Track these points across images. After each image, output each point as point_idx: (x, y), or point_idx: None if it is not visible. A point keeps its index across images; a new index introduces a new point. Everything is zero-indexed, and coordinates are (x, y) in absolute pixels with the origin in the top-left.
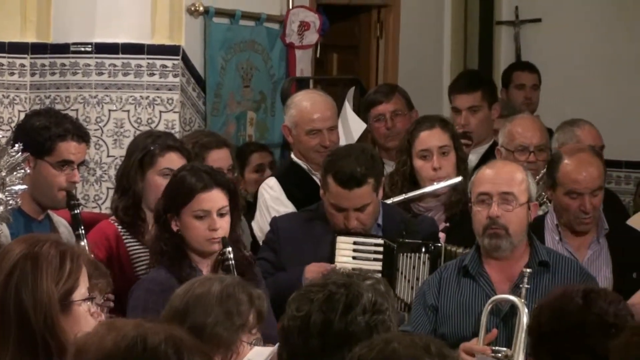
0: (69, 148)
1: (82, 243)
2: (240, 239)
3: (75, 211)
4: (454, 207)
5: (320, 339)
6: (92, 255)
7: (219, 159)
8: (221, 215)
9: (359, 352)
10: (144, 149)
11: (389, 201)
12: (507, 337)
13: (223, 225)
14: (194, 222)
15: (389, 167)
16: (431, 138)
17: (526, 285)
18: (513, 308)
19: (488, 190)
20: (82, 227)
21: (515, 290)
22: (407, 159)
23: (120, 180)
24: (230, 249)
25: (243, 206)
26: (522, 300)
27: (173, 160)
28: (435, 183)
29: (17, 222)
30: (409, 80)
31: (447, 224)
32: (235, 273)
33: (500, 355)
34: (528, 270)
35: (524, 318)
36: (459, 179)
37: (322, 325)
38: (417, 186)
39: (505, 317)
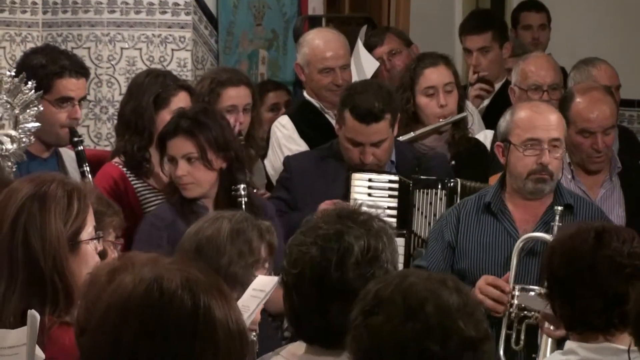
0: (68, 84)
1: (87, 180)
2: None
3: (79, 148)
4: (459, 145)
5: (316, 295)
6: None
7: (235, 96)
8: (187, 160)
9: (374, 287)
10: (156, 90)
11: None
12: (521, 276)
13: (193, 171)
14: (169, 167)
15: None
16: (436, 75)
17: (558, 223)
18: (532, 247)
19: (540, 136)
20: (87, 164)
21: (542, 228)
22: (410, 97)
23: (130, 121)
24: (244, 185)
25: (262, 147)
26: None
27: (184, 99)
28: (441, 120)
29: (22, 162)
30: (420, 18)
31: (453, 162)
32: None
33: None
34: (560, 208)
35: None
36: (464, 114)
37: (316, 282)
38: (420, 124)
39: (537, 254)
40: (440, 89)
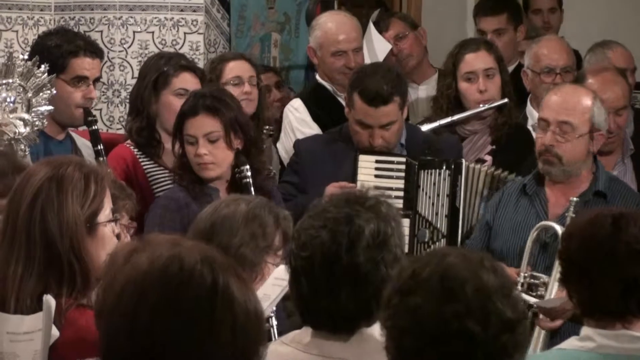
0: (83, 64)
1: (101, 159)
2: (259, 163)
3: (93, 127)
4: (500, 130)
5: (326, 278)
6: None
7: (237, 68)
8: (209, 141)
9: (411, 266)
10: (157, 71)
11: (435, 124)
12: (546, 265)
13: (214, 151)
14: (187, 147)
15: (411, 90)
16: (477, 60)
17: (572, 214)
18: (556, 236)
19: (547, 116)
20: (101, 143)
21: (561, 219)
22: (451, 82)
23: (134, 102)
24: (247, 167)
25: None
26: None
27: (187, 80)
28: (481, 105)
29: (38, 143)
30: (433, 2)
31: (493, 147)
32: (253, 191)
33: (539, 281)
34: (575, 199)
35: None
36: (504, 100)
37: (327, 265)
38: (462, 109)
39: (546, 244)
40: (481, 74)
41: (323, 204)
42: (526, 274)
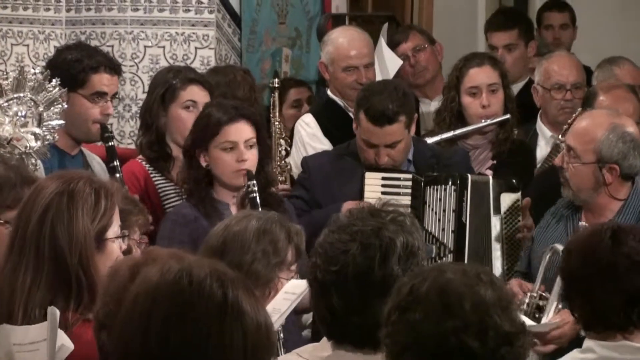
0: (102, 80)
1: (118, 175)
2: (270, 174)
3: (110, 143)
4: (502, 145)
5: (359, 292)
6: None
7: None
8: (249, 147)
9: (410, 282)
10: (165, 84)
11: (436, 137)
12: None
13: (250, 157)
14: (222, 154)
15: (423, 105)
16: (481, 75)
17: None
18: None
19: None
20: (117, 159)
21: None
22: (455, 96)
23: (143, 116)
24: (254, 182)
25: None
26: None
27: (195, 93)
28: (483, 120)
29: (51, 157)
30: (444, 16)
31: (494, 161)
32: (260, 206)
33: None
34: (583, 223)
35: None
36: (507, 116)
37: (359, 279)
38: (465, 123)
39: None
40: (484, 89)
41: (345, 218)
42: (534, 294)
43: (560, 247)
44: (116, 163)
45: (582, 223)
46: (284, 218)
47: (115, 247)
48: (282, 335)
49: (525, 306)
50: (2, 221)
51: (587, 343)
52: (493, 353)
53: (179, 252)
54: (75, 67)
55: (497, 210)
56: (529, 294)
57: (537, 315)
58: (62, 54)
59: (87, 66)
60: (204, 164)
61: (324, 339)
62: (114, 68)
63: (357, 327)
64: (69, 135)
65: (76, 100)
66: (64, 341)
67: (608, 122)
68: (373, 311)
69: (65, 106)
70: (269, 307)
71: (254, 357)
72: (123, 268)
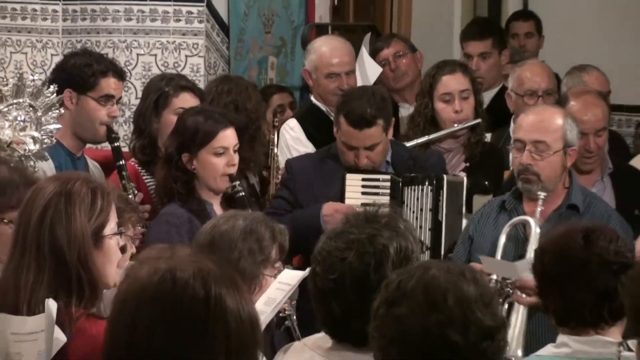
0: (110, 83)
1: (124, 173)
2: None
3: (116, 144)
4: (473, 148)
5: (357, 297)
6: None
7: None
8: (235, 151)
9: (397, 278)
10: (158, 91)
11: (412, 142)
12: (518, 256)
13: (237, 162)
14: (213, 158)
15: (402, 109)
16: (453, 82)
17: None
18: (515, 235)
19: (522, 137)
20: (123, 159)
21: (544, 228)
22: (428, 102)
23: (137, 121)
24: (238, 182)
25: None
26: (536, 220)
27: (186, 100)
28: (455, 125)
29: (61, 157)
30: (421, 26)
31: (467, 164)
32: (249, 204)
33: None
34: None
35: (536, 230)
36: (477, 120)
37: (356, 285)
38: (438, 127)
39: (517, 239)
40: (456, 95)
41: (342, 225)
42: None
43: (524, 218)
44: (122, 162)
45: (528, 218)
46: (269, 218)
47: (112, 244)
48: (294, 317)
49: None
50: (6, 221)
51: (561, 338)
52: (475, 346)
53: (168, 250)
54: (86, 71)
55: (470, 210)
56: (492, 277)
57: (507, 292)
58: (70, 60)
59: (97, 70)
60: (191, 167)
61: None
62: (121, 73)
63: (356, 329)
64: (76, 137)
65: (85, 102)
66: (58, 334)
67: (558, 110)
68: (370, 315)
69: (62, 111)
70: (264, 297)
71: (238, 352)
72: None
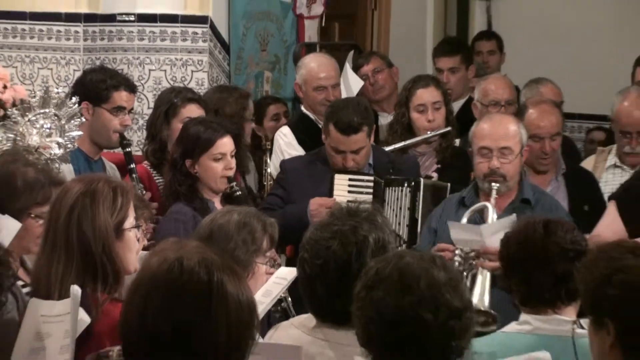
0: (122, 96)
1: (134, 175)
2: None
3: (128, 149)
4: (444, 152)
5: (339, 281)
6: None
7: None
8: (232, 156)
9: (376, 265)
10: (168, 102)
11: (391, 147)
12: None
13: (234, 166)
14: (212, 164)
15: (382, 117)
16: (427, 95)
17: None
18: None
19: (488, 145)
20: (134, 163)
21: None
22: (405, 112)
23: (149, 128)
24: (235, 183)
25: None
26: (492, 205)
27: (193, 110)
28: (429, 132)
29: (79, 161)
30: (398, 45)
31: (439, 166)
32: (245, 201)
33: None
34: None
35: (493, 214)
36: (448, 128)
37: (340, 271)
38: (413, 134)
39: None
40: (430, 106)
41: (328, 218)
42: (460, 250)
43: (484, 204)
44: (133, 165)
45: (485, 203)
46: (261, 212)
47: (132, 236)
48: (289, 299)
49: (457, 261)
50: (33, 215)
51: (524, 317)
52: (444, 324)
53: (177, 242)
54: (100, 86)
55: None
56: (456, 252)
57: (471, 264)
58: (88, 75)
59: (110, 85)
60: (193, 171)
61: (310, 314)
62: (132, 87)
63: (338, 309)
64: (93, 143)
65: (100, 113)
66: (82, 316)
67: (511, 118)
68: (351, 297)
69: (84, 120)
70: (263, 289)
71: (237, 331)
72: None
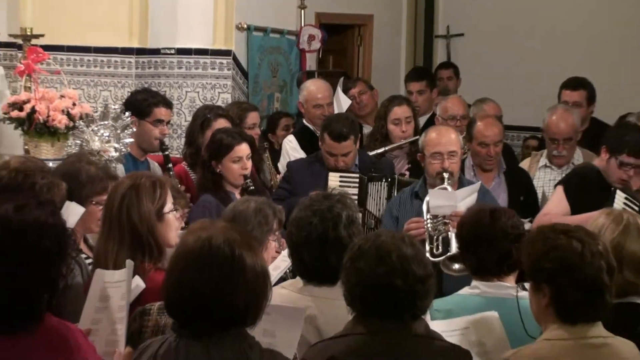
0: (161, 111)
1: (171, 173)
2: (255, 176)
3: (166, 153)
4: (413, 155)
5: (319, 247)
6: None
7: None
8: (247, 159)
9: (358, 243)
10: (203, 116)
11: (372, 152)
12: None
13: (249, 166)
14: (232, 165)
15: (365, 128)
16: (400, 111)
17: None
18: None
19: (440, 150)
20: (171, 163)
21: None
22: (383, 124)
23: (188, 136)
24: (250, 180)
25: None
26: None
27: (222, 123)
28: (402, 140)
29: (129, 161)
30: (378, 73)
31: (409, 166)
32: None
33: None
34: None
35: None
36: (417, 137)
37: (319, 238)
38: (390, 142)
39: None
40: (403, 120)
41: (309, 201)
42: (428, 219)
43: (444, 186)
44: (170, 165)
45: (445, 185)
46: (272, 201)
47: (171, 217)
48: (289, 270)
49: (427, 224)
50: (94, 202)
51: (474, 283)
52: (411, 289)
53: (208, 223)
54: (144, 103)
55: None
56: (427, 222)
57: (439, 230)
58: (135, 95)
59: (151, 103)
60: (217, 170)
61: (298, 277)
62: (169, 104)
63: (320, 270)
64: (140, 148)
65: (144, 125)
66: (139, 282)
67: (451, 129)
68: (329, 260)
69: (135, 129)
70: (274, 264)
71: (254, 296)
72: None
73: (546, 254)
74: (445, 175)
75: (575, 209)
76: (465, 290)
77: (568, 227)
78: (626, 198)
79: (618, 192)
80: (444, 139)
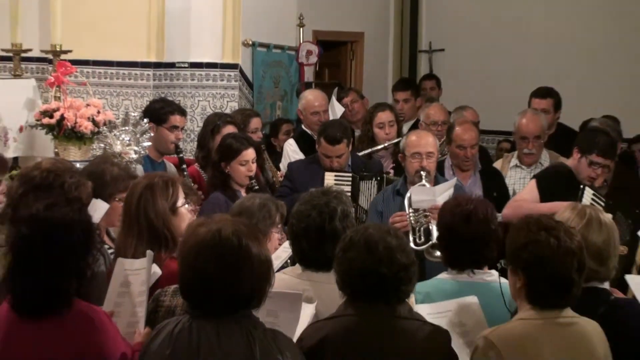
0: (176, 119)
1: (185, 173)
2: (259, 177)
3: (180, 155)
4: (397, 155)
5: (317, 237)
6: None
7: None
8: (253, 162)
9: (349, 234)
10: (213, 123)
11: (361, 153)
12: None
13: (254, 168)
14: (239, 167)
15: (357, 133)
16: (384, 116)
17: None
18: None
19: (419, 150)
20: (185, 164)
21: None
22: (369, 128)
23: (200, 141)
24: (255, 180)
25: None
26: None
27: (230, 129)
28: (386, 142)
29: (147, 163)
30: (368, 84)
31: (394, 164)
32: (261, 191)
33: (420, 212)
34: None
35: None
36: (399, 139)
37: (317, 230)
38: (376, 144)
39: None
40: (387, 124)
41: (308, 196)
42: (410, 212)
43: (423, 183)
44: (184, 166)
45: (423, 182)
46: (275, 198)
47: (184, 211)
48: (289, 260)
49: (413, 224)
50: (117, 199)
51: (448, 273)
52: (395, 276)
53: (223, 216)
54: (161, 111)
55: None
56: (409, 216)
57: (421, 222)
58: (152, 104)
59: (167, 111)
60: (226, 171)
61: (297, 264)
62: (183, 112)
63: (317, 258)
64: (157, 151)
65: (161, 130)
66: (156, 269)
67: (429, 133)
68: (326, 249)
69: (152, 134)
70: (276, 254)
71: (259, 282)
72: (192, 226)
73: (525, 246)
74: (423, 173)
75: (546, 201)
76: (442, 275)
77: (551, 223)
78: (594, 194)
79: (587, 189)
80: (423, 141)
